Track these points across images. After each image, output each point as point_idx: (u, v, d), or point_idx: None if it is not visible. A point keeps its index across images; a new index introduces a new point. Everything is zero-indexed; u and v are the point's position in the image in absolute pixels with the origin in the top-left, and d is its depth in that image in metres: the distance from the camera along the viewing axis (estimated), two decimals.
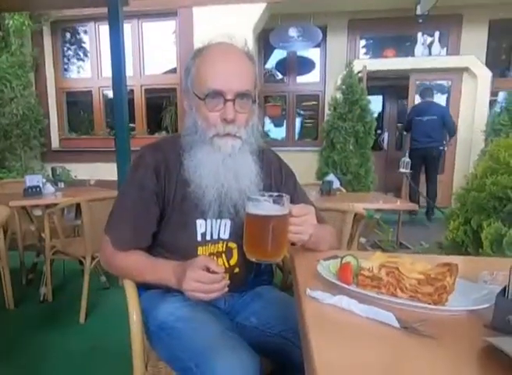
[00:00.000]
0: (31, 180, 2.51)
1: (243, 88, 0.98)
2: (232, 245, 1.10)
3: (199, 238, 1.06)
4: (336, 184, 2.76)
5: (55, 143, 5.74)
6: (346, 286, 0.72)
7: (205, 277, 0.89)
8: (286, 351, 1.00)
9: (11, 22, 4.88)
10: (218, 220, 1.07)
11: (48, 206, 2.43)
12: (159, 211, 1.05)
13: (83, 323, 2.28)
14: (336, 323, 0.63)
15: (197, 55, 1.02)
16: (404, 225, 3.63)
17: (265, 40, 5.94)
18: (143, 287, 1.12)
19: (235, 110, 0.98)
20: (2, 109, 4.67)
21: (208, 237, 1.07)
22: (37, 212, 2.43)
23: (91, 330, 2.23)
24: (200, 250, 1.07)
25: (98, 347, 2.03)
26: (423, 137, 4.90)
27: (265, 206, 0.86)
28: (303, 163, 4.48)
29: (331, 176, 2.82)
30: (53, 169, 4.71)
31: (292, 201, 0.92)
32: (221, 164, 1.00)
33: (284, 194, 0.89)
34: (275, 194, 0.90)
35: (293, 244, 0.96)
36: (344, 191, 3.17)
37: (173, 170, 1.05)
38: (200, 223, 1.06)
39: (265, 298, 1.14)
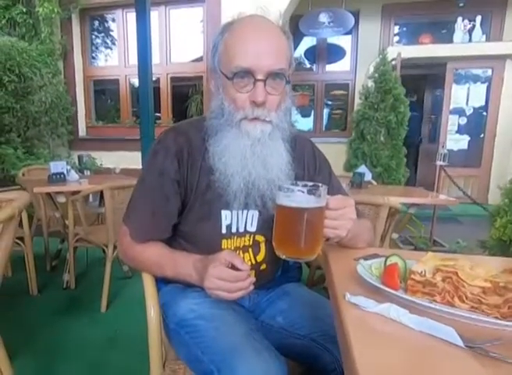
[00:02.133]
0: (55, 166, 2.49)
1: (276, 67, 0.86)
2: (260, 238, 1.01)
3: (224, 230, 0.97)
4: (368, 177, 2.60)
5: (82, 131, 5.80)
6: (392, 291, 0.60)
7: (229, 275, 0.81)
8: (315, 355, 0.92)
9: (40, 9, 4.92)
10: (245, 211, 0.97)
11: (72, 193, 2.42)
12: (181, 200, 0.96)
13: (104, 312, 2.27)
14: (383, 336, 0.52)
15: (226, 29, 0.91)
16: (436, 221, 3.43)
17: (295, 26, 5.74)
18: (162, 281, 1.04)
19: (266, 91, 0.86)
20: (32, 97, 4.73)
21: (234, 230, 0.98)
22: (61, 199, 2.42)
23: (112, 319, 2.20)
24: (224, 243, 0.98)
25: (118, 337, 2.00)
26: None
27: (299, 197, 0.74)
28: (330, 155, 4.21)
29: (362, 168, 2.66)
30: (79, 157, 4.79)
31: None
32: (249, 150, 0.90)
33: (320, 184, 0.77)
34: (310, 183, 0.79)
35: (326, 239, 0.85)
36: (375, 183, 3.01)
37: (197, 156, 0.95)
38: (225, 214, 0.96)
39: (293, 297, 1.05)
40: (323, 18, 5.40)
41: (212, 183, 0.93)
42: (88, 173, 4.41)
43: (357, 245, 0.95)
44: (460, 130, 5.74)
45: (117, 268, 2.63)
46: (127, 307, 2.34)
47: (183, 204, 0.97)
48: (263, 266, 1.02)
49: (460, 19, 5.37)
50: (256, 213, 0.98)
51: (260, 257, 1.01)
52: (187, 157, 0.95)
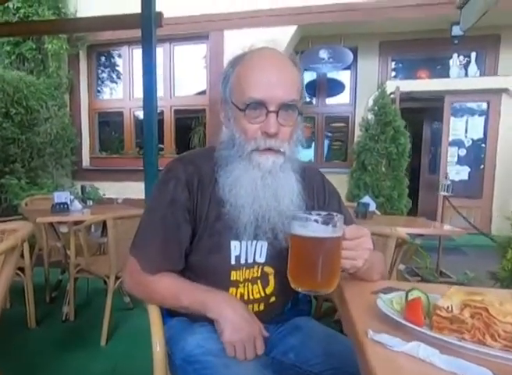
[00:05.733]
0: (59, 196, 2.49)
1: (289, 98, 0.87)
2: (269, 270, 0.98)
3: (233, 261, 0.94)
4: (372, 207, 2.59)
5: (85, 161, 5.86)
6: (417, 328, 0.58)
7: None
8: None
9: (49, 46, 5.09)
10: (254, 242, 0.95)
11: (75, 223, 2.40)
12: (191, 229, 0.94)
13: (104, 346, 2.19)
14: None
15: (237, 61, 0.92)
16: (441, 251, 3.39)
17: None
18: (168, 315, 1.01)
19: (278, 123, 0.87)
20: (38, 129, 4.80)
21: (243, 261, 0.95)
22: (64, 229, 2.40)
23: (112, 353, 2.12)
24: (234, 275, 0.95)
25: (118, 372, 1.92)
26: None
27: (315, 227, 0.73)
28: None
29: (367, 198, 2.66)
30: (83, 187, 4.79)
31: None
32: (259, 182, 0.89)
33: (335, 213, 0.76)
34: (324, 213, 0.77)
35: (341, 270, 0.83)
36: (379, 213, 2.99)
37: (207, 186, 0.94)
38: (234, 244, 0.94)
39: (304, 332, 1.01)
40: (323, 54, 5.59)
41: (222, 214, 0.91)
42: (91, 203, 4.40)
43: (371, 277, 0.93)
44: (460, 162, 5.79)
45: (118, 299, 2.56)
46: (128, 340, 2.26)
47: (192, 233, 0.95)
48: (272, 299, 0.99)
49: (455, 55, 5.55)
50: (265, 244, 0.96)
51: (269, 289, 0.98)
52: (197, 186, 0.94)
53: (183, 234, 0.93)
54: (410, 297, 0.64)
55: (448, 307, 0.57)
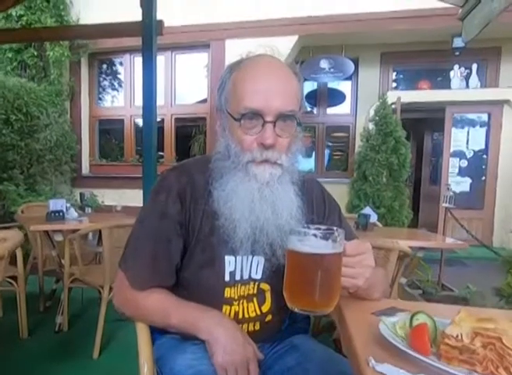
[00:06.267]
0: (55, 204, 2.45)
1: (287, 108, 0.82)
2: (265, 287, 0.93)
3: (227, 278, 0.90)
4: (373, 218, 2.54)
5: (85, 169, 5.83)
6: (424, 358, 0.53)
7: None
8: None
9: (51, 53, 5.10)
10: (250, 257, 0.91)
11: (73, 232, 2.35)
12: (182, 243, 0.90)
13: (97, 359, 2.13)
14: None
15: (234, 68, 0.88)
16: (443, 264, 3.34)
17: None
18: (159, 332, 0.96)
19: (275, 134, 0.82)
20: (37, 135, 4.78)
21: (238, 277, 0.91)
22: (59, 238, 2.35)
23: (104, 366, 2.06)
24: (228, 292, 0.90)
25: None
26: None
27: (314, 242, 0.68)
28: (333, 195, 4.26)
29: (367, 210, 2.61)
30: (81, 195, 4.75)
31: None
32: (256, 194, 0.84)
33: (335, 228, 0.72)
34: (323, 227, 0.73)
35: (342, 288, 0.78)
36: (381, 225, 2.94)
37: (200, 198, 0.90)
38: (229, 259, 0.89)
39: (302, 351, 0.95)
40: (324, 64, 5.59)
41: (216, 228, 0.87)
42: (89, 210, 4.37)
43: (372, 296, 0.88)
44: (462, 173, 5.76)
45: (112, 310, 2.48)
46: (121, 353, 2.19)
47: (184, 247, 0.90)
48: (268, 318, 0.94)
49: (456, 66, 5.55)
50: (262, 260, 0.91)
51: (265, 307, 0.93)
52: (190, 198, 0.89)
53: (173, 249, 0.88)
54: (416, 322, 0.60)
55: (457, 335, 0.53)
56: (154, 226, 0.89)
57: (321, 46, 5.63)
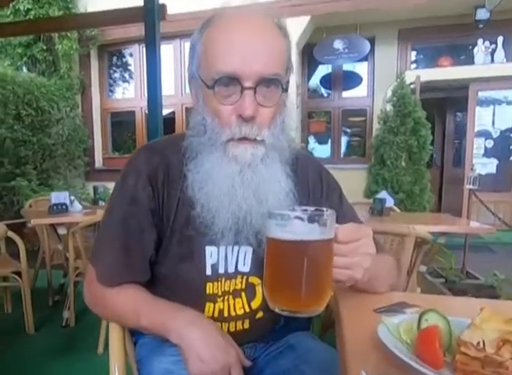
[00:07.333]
0: (57, 197, 2.39)
1: (269, 71, 0.68)
2: (255, 281, 0.81)
3: (208, 271, 0.77)
4: (390, 203, 2.37)
5: (98, 162, 5.83)
6: (433, 372, 0.40)
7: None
8: None
9: (60, 47, 5.07)
10: (236, 247, 0.78)
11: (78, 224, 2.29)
12: (156, 233, 0.78)
13: (101, 354, 2.07)
14: None
15: (206, 25, 0.73)
16: (467, 250, 3.14)
17: (309, 55, 5.72)
18: (140, 332, 0.85)
19: (256, 102, 0.68)
20: (49, 130, 4.79)
21: (222, 270, 0.78)
22: (62, 231, 2.30)
23: (107, 362, 2.00)
24: (209, 287, 0.78)
25: None
26: None
27: (298, 227, 0.55)
28: (350, 181, 4.06)
29: (383, 194, 2.44)
30: (95, 188, 4.74)
31: (336, 222, 0.61)
32: (237, 178, 0.71)
33: (325, 209, 0.59)
34: (312, 208, 0.60)
35: (336, 282, 0.65)
36: (398, 210, 2.77)
37: (175, 182, 0.77)
38: (210, 250, 0.77)
39: (299, 352, 0.82)
40: (338, 45, 5.35)
41: (192, 218, 0.74)
42: (103, 203, 4.36)
43: (376, 289, 0.75)
44: (487, 154, 5.45)
45: None
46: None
47: (158, 238, 0.78)
48: (259, 314, 0.81)
49: (480, 40, 5.20)
50: (249, 250, 0.78)
51: (255, 303, 0.81)
52: (162, 181, 0.77)
53: (146, 239, 0.77)
54: (425, 324, 0.46)
55: (479, 343, 0.39)
56: (123, 213, 0.78)
57: (334, 26, 5.38)
